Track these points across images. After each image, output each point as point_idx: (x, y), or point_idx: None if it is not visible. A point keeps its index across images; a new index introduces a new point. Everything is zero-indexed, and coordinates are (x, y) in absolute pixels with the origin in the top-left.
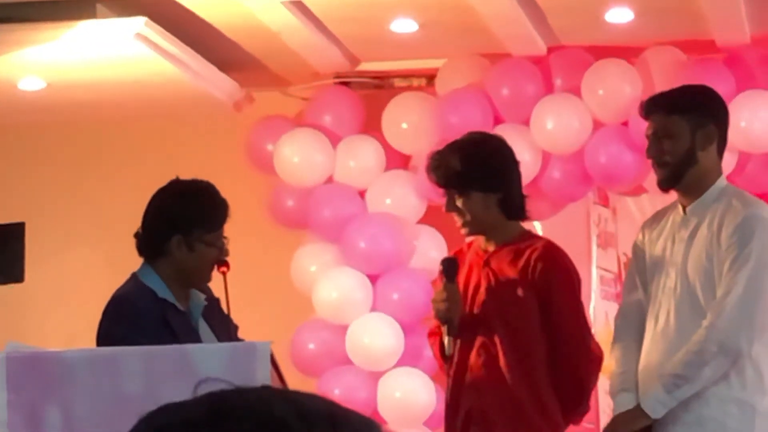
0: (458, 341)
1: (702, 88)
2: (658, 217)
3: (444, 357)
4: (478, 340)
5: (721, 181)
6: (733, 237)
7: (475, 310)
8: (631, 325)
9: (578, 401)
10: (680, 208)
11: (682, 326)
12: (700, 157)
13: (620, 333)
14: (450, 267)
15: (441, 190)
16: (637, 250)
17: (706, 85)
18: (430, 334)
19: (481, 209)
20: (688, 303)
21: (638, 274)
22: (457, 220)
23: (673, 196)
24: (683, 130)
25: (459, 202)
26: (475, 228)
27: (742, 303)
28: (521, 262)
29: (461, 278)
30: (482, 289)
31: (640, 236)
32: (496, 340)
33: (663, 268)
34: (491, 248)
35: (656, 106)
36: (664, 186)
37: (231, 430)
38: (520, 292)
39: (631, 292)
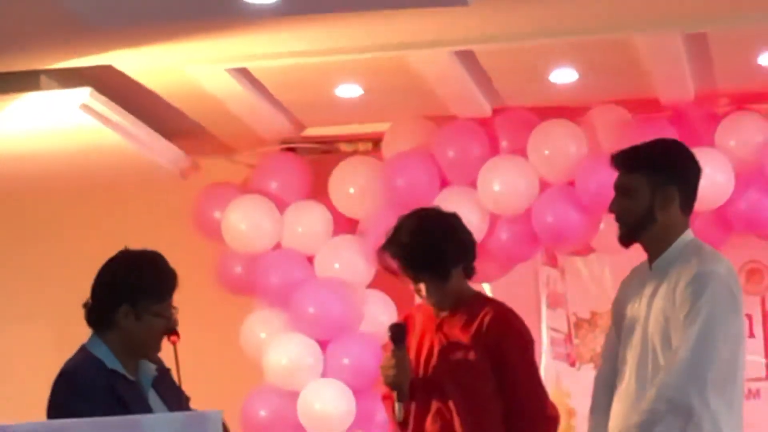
0: (413, 407)
1: (670, 145)
2: (633, 273)
3: (396, 422)
4: (434, 406)
5: (686, 236)
6: (686, 292)
7: (429, 375)
8: (605, 393)
9: None
10: (647, 264)
11: (641, 386)
12: (659, 216)
13: (595, 402)
14: (398, 333)
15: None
16: (614, 310)
17: (676, 140)
18: (384, 398)
19: (457, 284)
20: (649, 361)
21: (617, 335)
22: (429, 301)
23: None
24: (643, 189)
25: (440, 286)
26: (447, 301)
27: (691, 359)
28: (474, 327)
29: (413, 342)
30: (435, 354)
31: (617, 294)
32: (451, 405)
33: (631, 327)
34: (444, 313)
35: (621, 161)
36: (622, 242)
37: None
38: (472, 356)
39: (607, 358)
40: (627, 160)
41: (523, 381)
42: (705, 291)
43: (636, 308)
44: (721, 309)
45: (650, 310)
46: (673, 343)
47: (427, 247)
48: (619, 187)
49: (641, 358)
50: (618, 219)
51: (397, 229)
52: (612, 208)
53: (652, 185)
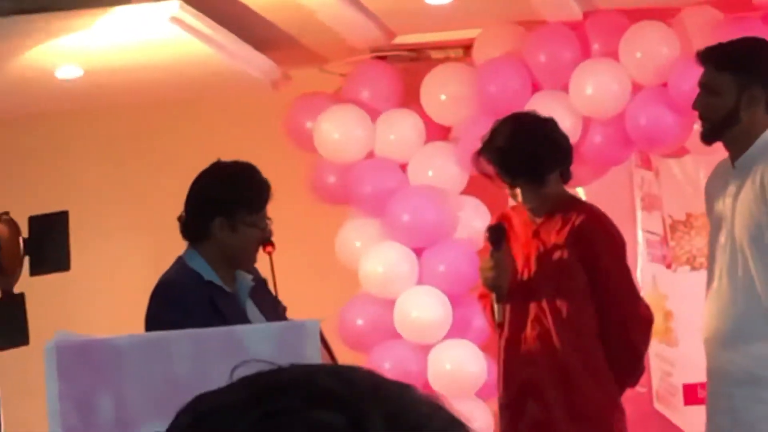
0: (509, 311)
1: (759, 44)
2: (716, 172)
3: (495, 323)
4: (531, 312)
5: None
6: None
7: (526, 281)
8: None
9: (632, 365)
10: (731, 162)
11: (733, 287)
12: (743, 116)
13: None
14: (496, 234)
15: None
16: (707, 209)
17: (765, 40)
18: (481, 296)
19: (554, 188)
20: (739, 263)
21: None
22: (527, 205)
23: (717, 154)
24: (729, 88)
25: (537, 190)
26: (545, 205)
27: None
28: (566, 230)
29: (512, 246)
30: (532, 260)
31: (705, 194)
32: (547, 311)
33: (717, 226)
34: (539, 219)
35: (708, 59)
36: (705, 140)
37: (277, 407)
38: (567, 260)
39: None
40: (714, 58)
41: (615, 282)
42: None
43: (721, 207)
44: None
45: (735, 209)
46: (766, 241)
47: (524, 152)
48: (705, 85)
49: (731, 258)
50: (701, 117)
51: (494, 134)
52: (696, 106)
53: (739, 85)
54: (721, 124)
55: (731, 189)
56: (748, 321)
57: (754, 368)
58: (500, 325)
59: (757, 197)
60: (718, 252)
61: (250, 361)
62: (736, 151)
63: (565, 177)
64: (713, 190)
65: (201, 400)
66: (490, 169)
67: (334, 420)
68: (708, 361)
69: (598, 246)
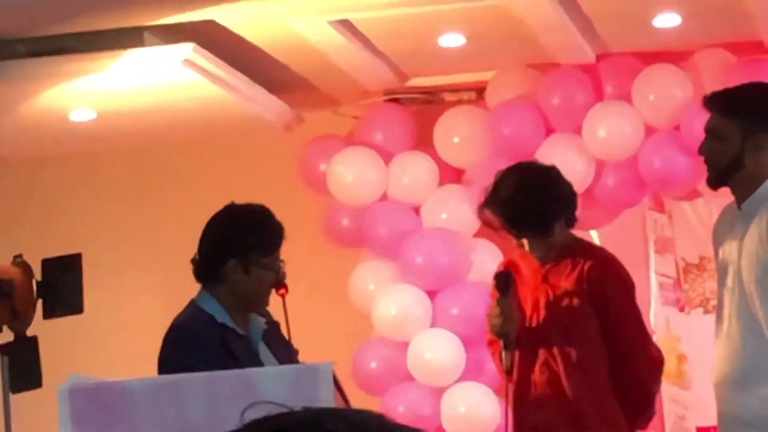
0: (518, 356)
1: (763, 90)
2: (723, 215)
3: (503, 370)
4: (541, 356)
5: None
6: None
7: (535, 326)
8: None
9: (643, 407)
10: (737, 205)
11: (745, 330)
12: (747, 161)
13: None
14: (504, 281)
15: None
16: (714, 251)
17: None
18: (490, 343)
19: (560, 235)
20: (745, 304)
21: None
22: (535, 253)
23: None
24: (734, 134)
25: (543, 240)
26: (551, 255)
27: None
28: (576, 274)
29: (520, 291)
30: (541, 305)
31: (712, 237)
32: (557, 355)
33: (724, 269)
34: (548, 264)
35: (714, 104)
36: (710, 185)
37: None
38: (577, 304)
39: None
40: (719, 104)
41: (626, 324)
42: None
43: (728, 250)
44: None
45: (741, 252)
46: None
47: (528, 205)
48: (711, 131)
49: (739, 301)
50: (707, 162)
51: (497, 186)
52: (702, 151)
53: (743, 131)
54: (726, 169)
55: (737, 232)
56: (757, 364)
57: (764, 411)
58: (509, 372)
59: (762, 239)
60: (726, 295)
61: (261, 402)
62: (742, 195)
63: (570, 222)
64: (720, 234)
65: None
66: (495, 220)
67: None
68: (718, 404)
69: (608, 290)
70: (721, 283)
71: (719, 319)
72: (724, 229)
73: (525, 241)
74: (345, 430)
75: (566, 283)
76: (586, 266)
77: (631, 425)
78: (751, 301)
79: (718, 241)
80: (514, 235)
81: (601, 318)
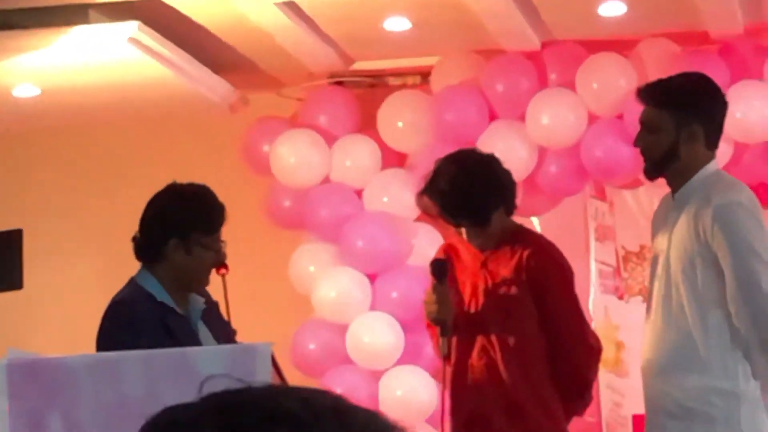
0: (456, 341)
1: (696, 80)
2: (660, 204)
3: (441, 355)
4: (478, 342)
5: (709, 167)
6: (714, 228)
7: (473, 312)
8: None
9: (580, 395)
10: (671, 194)
11: (666, 320)
12: (683, 152)
13: None
14: (440, 268)
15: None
16: (651, 239)
17: (703, 75)
18: (429, 326)
19: (498, 224)
20: (671, 293)
21: None
22: (474, 242)
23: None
24: (668, 125)
25: (481, 229)
26: (492, 242)
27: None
28: (514, 261)
29: (457, 277)
30: (480, 291)
31: (652, 225)
32: (495, 341)
33: (656, 259)
34: (487, 250)
35: (647, 96)
36: (647, 176)
37: (239, 424)
38: (515, 291)
39: None
40: (653, 95)
41: (563, 313)
42: (733, 222)
43: (659, 239)
44: (756, 235)
45: (671, 242)
46: (699, 277)
47: (466, 196)
48: (645, 123)
49: (666, 290)
50: (642, 154)
51: (436, 175)
52: (637, 144)
53: (677, 122)
54: (661, 161)
55: (669, 222)
56: (680, 354)
57: (686, 401)
58: (446, 358)
59: (691, 232)
60: (655, 283)
61: (220, 376)
62: (676, 185)
63: (510, 210)
64: (656, 222)
65: (166, 412)
66: (433, 208)
67: None
68: (645, 391)
69: (546, 278)
70: (652, 271)
71: (648, 307)
72: (659, 219)
73: (463, 230)
74: (301, 410)
75: (505, 270)
76: (525, 254)
77: (568, 412)
78: (677, 290)
79: (654, 231)
80: (451, 224)
81: (539, 306)
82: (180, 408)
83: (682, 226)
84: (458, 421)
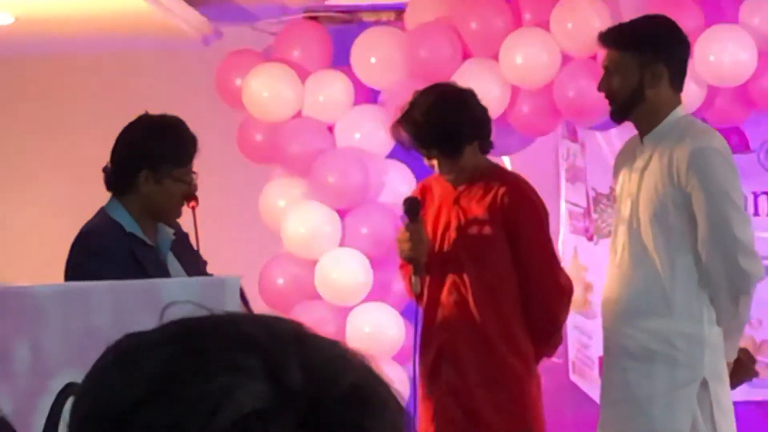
0: (428, 279)
1: (659, 22)
2: (625, 147)
3: (413, 294)
4: (449, 279)
5: (677, 112)
6: (690, 173)
7: (445, 249)
8: None
9: (550, 335)
10: (639, 138)
11: (634, 261)
12: (648, 94)
13: None
14: (412, 207)
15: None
16: (614, 181)
17: (664, 16)
18: (401, 266)
19: (472, 158)
20: (638, 236)
21: None
22: (445, 176)
23: None
24: (632, 67)
25: (452, 161)
26: (464, 176)
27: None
28: (489, 199)
29: (430, 214)
30: (452, 228)
31: (614, 168)
32: (466, 278)
33: (621, 199)
34: (461, 187)
35: (609, 40)
36: (613, 120)
37: (196, 346)
38: (488, 229)
39: None
40: (615, 39)
41: (536, 252)
42: (709, 168)
43: (627, 182)
44: (730, 181)
45: (641, 185)
46: (667, 221)
47: (439, 125)
48: (608, 67)
49: (634, 234)
50: (607, 97)
51: (412, 106)
52: (601, 88)
53: (640, 63)
54: (626, 103)
55: (638, 165)
56: (646, 296)
57: (649, 343)
58: (418, 297)
59: (663, 175)
60: (621, 226)
61: (182, 302)
62: (645, 128)
63: (485, 148)
64: (621, 164)
65: (127, 338)
66: (406, 139)
67: (250, 363)
68: (605, 332)
69: (520, 216)
70: (618, 213)
71: (613, 249)
72: (625, 161)
73: (435, 162)
74: (260, 334)
75: (478, 207)
76: (500, 192)
77: (538, 353)
78: (646, 234)
79: (618, 172)
80: (424, 155)
81: (512, 244)
82: (140, 333)
83: (654, 169)
84: (427, 357)
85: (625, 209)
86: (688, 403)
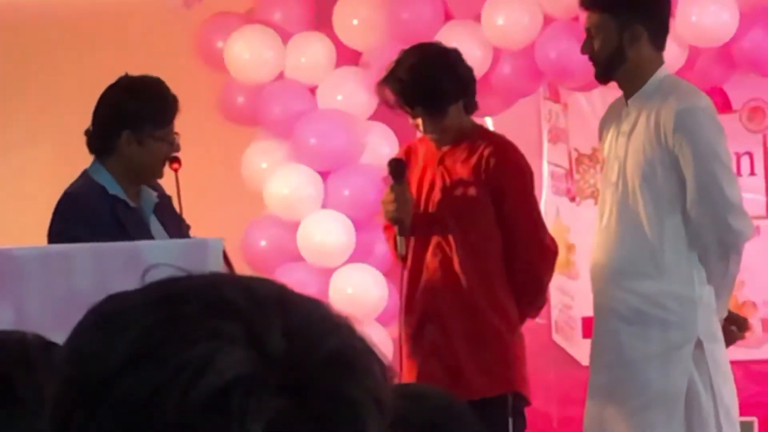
0: (413, 240)
1: None
2: (610, 110)
3: (398, 256)
4: (433, 240)
5: (660, 72)
6: (677, 133)
7: (430, 209)
8: None
9: (534, 296)
10: (624, 100)
11: (624, 225)
12: (629, 54)
13: None
14: (397, 168)
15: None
16: (600, 143)
17: None
18: (385, 228)
19: (456, 118)
20: (626, 198)
21: None
22: (430, 136)
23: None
24: (611, 28)
25: (436, 121)
26: (448, 136)
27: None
28: (474, 159)
29: (415, 176)
30: (436, 189)
31: (599, 132)
32: (451, 239)
33: (608, 162)
34: (445, 147)
35: (589, 2)
36: (599, 80)
37: (178, 312)
38: (473, 190)
39: None
40: (594, 0)
41: (521, 213)
42: (696, 128)
43: (613, 144)
44: (718, 140)
45: (628, 147)
46: (658, 182)
47: (424, 83)
48: (589, 29)
49: (622, 196)
50: (591, 59)
51: (397, 64)
52: (584, 50)
53: (620, 25)
54: (608, 64)
55: (625, 128)
56: (635, 259)
57: (641, 305)
58: (403, 258)
59: (651, 137)
60: (609, 189)
61: (162, 265)
62: (629, 88)
63: (469, 108)
64: (607, 126)
65: (108, 301)
66: (392, 98)
67: (231, 329)
68: (595, 296)
69: (506, 177)
70: (605, 176)
71: (601, 210)
72: (610, 123)
73: (419, 121)
74: (241, 298)
75: (463, 168)
76: (486, 152)
77: (522, 314)
78: (634, 197)
79: (604, 134)
80: (408, 113)
81: (497, 205)
82: (121, 296)
83: (641, 131)
84: (411, 319)
85: (612, 172)
86: (683, 364)
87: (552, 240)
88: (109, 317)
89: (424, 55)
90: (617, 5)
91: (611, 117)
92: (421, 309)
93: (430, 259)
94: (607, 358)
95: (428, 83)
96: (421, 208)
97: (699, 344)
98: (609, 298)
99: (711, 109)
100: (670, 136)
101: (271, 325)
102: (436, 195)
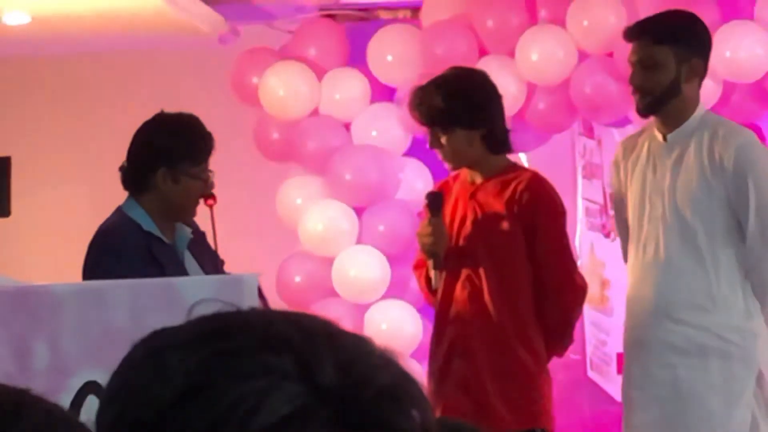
0: (444, 274)
1: (688, 16)
2: (629, 147)
3: (431, 290)
4: (464, 273)
5: (701, 109)
6: (737, 167)
7: (461, 243)
8: None
9: (562, 333)
10: (659, 135)
11: (672, 255)
12: (684, 88)
13: None
14: (435, 201)
15: (424, 127)
16: (616, 189)
17: (691, 12)
18: (416, 267)
19: (465, 146)
20: (678, 232)
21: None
22: (440, 156)
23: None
24: (669, 61)
25: (443, 140)
26: (458, 163)
27: None
28: (507, 194)
29: (448, 210)
30: (468, 222)
31: (615, 174)
32: (481, 272)
33: (645, 197)
34: (478, 180)
35: (643, 33)
36: (644, 113)
37: (231, 346)
38: (505, 224)
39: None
40: (651, 31)
41: (553, 249)
42: (756, 162)
43: (651, 180)
44: None
45: (676, 180)
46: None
47: (433, 97)
48: (641, 61)
49: (674, 230)
50: (641, 91)
51: (428, 83)
52: (633, 82)
53: (679, 57)
54: (661, 97)
55: (668, 161)
56: (693, 291)
57: (699, 338)
58: (436, 292)
59: (704, 171)
60: (650, 225)
61: (211, 300)
62: (672, 124)
63: (493, 144)
64: (629, 165)
65: (157, 335)
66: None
67: (284, 363)
68: (634, 330)
69: (538, 214)
70: (640, 211)
71: (639, 247)
72: (633, 161)
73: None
74: (292, 333)
75: (496, 202)
76: (519, 187)
77: (550, 350)
78: (688, 230)
79: (627, 171)
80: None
81: (528, 240)
82: (170, 330)
83: (690, 165)
84: (439, 351)
85: (656, 208)
86: (745, 397)
87: (581, 278)
88: (160, 351)
89: (447, 73)
90: (678, 38)
91: (628, 154)
92: (450, 341)
93: (460, 292)
94: (658, 392)
95: (437, 99)
96: (453, 241)
97: (760, 377)
98: (662, 331)
99: (759, 143)
100: (730, 170)
101: (323, 359)
102: (468, 228)
